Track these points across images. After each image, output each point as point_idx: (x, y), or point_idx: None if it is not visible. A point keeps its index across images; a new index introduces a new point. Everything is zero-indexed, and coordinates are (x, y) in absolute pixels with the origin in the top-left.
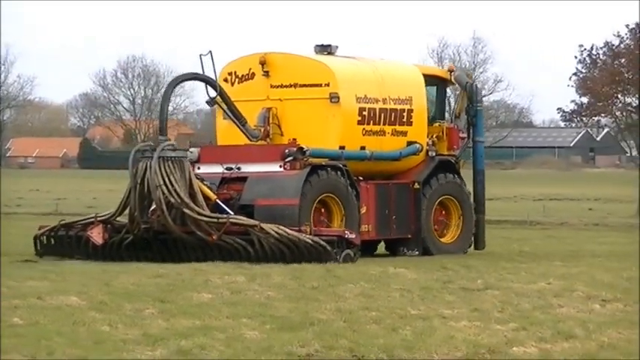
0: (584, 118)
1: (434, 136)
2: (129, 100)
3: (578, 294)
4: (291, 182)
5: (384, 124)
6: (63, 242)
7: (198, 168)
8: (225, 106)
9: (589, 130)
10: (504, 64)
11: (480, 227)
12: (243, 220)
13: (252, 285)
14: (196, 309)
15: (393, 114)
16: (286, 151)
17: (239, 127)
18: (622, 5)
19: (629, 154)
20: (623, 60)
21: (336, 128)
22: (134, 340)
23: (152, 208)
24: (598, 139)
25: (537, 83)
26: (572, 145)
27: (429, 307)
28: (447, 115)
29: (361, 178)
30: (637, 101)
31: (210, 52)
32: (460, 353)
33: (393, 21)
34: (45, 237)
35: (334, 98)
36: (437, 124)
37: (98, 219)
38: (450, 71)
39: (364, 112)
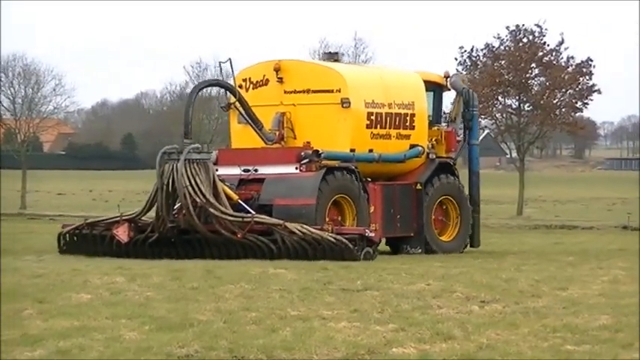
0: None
1: (433, 139)
2: (9, 99)
3: (457, 295)
4: (308, 183)
5: (389, 128)
6: (87, 240)
7: (217, 170)
8: (242, 111)
9: None
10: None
11: (476, 226)
12: (267, 219)
13: (132, 285)
14: (75, 309)
15: (397, 118)
16: (302, 153)
17: (256, 131)
18: (503, 6)
19: (508, 156)
20: (503, 62)
21: (347, 132)
22: (13, 340)
23: (176, 207)
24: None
25: None
26: None
27: (308, 308)
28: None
29: (369, 179)
30: (517, 103)
31: (230, 59)
32: (339, 354)
33: (276, 21)
34: (69, 235)
35: (345, 103)
36: (435, 128)
37: (124, 218)
38: (446, 77)
39: (372, 117)
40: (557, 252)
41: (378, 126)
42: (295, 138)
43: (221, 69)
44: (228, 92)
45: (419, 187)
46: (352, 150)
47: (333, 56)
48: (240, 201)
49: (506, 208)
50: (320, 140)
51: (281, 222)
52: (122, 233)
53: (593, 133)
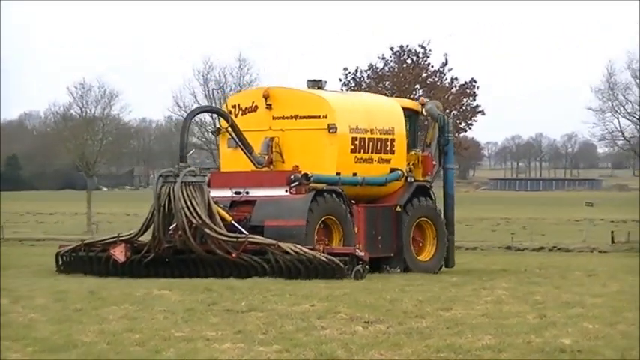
0: None
1: (411, 164)
2: None
3: (341, 315)
4: (298, 205)
5: (371, 153)
6: (84, 260)
7: (209, 192)
8: (234, 135)
9: None
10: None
11: (451, 247)
12: (261, 239)
13: (16, 307)
14: None
15: (379, 143)
16: (292, 177)
17: (246, 155)
18: (386, 29)
19: None
20: (387, 83)
21: (333, 156)
22: None
23: (171, 227)
24: None
25: None
26: None
27: (192, 329)
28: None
29: (353, 201)
30: None
31: (222, 86)
32: None
33: (157, 41)
34: (67, 255)
35: (332, 129)
36: (413, 153)
37: (121, 238)
38: (422, 104)
39: (356, 142)
40: (441, 272)
41: (362, 150)
42: (283, 162)
43: (213, 95)
44: (220, 117)
45: (398, 209)
46: (338, 174)
47: (317, 83)
48: (233, 222)
49: None
50: (307, 164)
51: (274, 242)
52: (119, 253)
53: (477, 154)
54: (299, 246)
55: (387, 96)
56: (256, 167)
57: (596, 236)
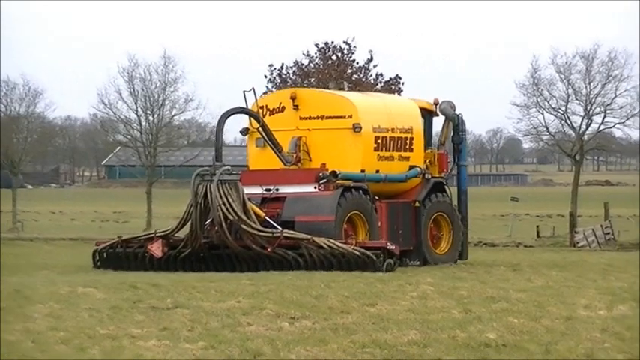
0: None
1: (427, 161)
2: None
3: (267, 312)
4: (327, 201)
5: (392, 151)
6: (120, 256)
7: (243, 190)
8: (264, 135)
9: None
10: (194, 84)
11: (464, 241)
12: (295, 234)
13: None
14: None
15: (399, 142)
16: (320, 174)
17: (276, 154)
18: (313, 25)
19: None
20: (312, 79)
21: (358, 154)
22: None
23: (206, 223)
24: None
25: (229, 103)
26: None
27: (118, 327)
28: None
29: (376, 197)
30: None
31: (253, 88)
32: None
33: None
34: (104, 251)
35: (357, 128)
36: (429, 151)
37: (158, 234)
38: (436, 104)
39: (379, 140)
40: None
41: (384, 149)
42: (310, 160)
43: (245, 97)
44: (251, 118)
45: (417, 204)
46: (362, 171)
47: (339, 85)
48: (267, 218)
49: None
50: (333, 162)
51: (309, 237)
52: (156, 249)
53: None
54: (332, 240)
55: None
56: (285, 165)
57: (522, 231)
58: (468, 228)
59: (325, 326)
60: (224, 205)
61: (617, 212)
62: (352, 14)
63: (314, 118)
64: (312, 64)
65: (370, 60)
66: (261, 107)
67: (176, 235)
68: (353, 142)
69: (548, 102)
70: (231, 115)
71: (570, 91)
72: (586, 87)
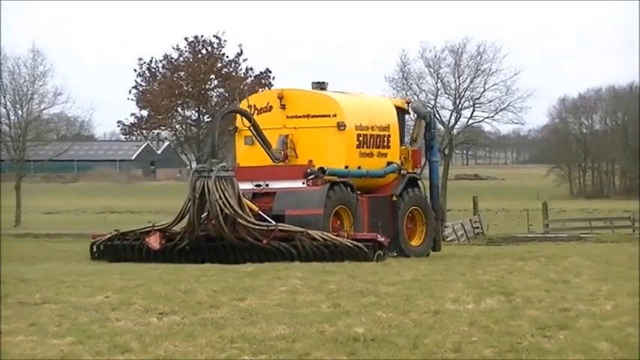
0: (144, 132)
1: (402, 157)
2: None
3: (135, 307)
4: (316, 195)
5: (372, 147)
6: (117, 249)
7: (238, 185)
8: (255, 133)
9: (150, 143)
10: (63, 77)
11: (438, 233)
12: (290, 227)
13: None
14: None
15: (378, 139)
16: (308, 170)
17: (266, 151)
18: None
19: (189, 167)
20: (182, 73)
21: (342, 151)
22: None
23: (202, 216)
24: (159, 152)
25: (99, 96)
26: (133, 158)
27: None
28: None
29: (358, 192)
30: (196, 114)
31: (243, 89)
32: None
33: None
34: (102, 244)
35: (341, 126)
36: (403, 147)
37: (155, 228)
38: (408, 102)
39: (360, 138)
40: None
41: (365, 146)
42: (297, 157)
43: (236, 97)
44: (243, 117)
45: (394, 198)
46: (346, 167)
47: (321, 85)
48: (260, 212)
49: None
50: (318, 159)
51: (303, 229)
52: (154, 241)
53: None
54: (325, 233)
55: (182, 87)
56: (274, 162)
57: None
58: (439, 220)
59: (194, 321)
60: (221, 199)
61: (486, 206)
62: (223, 9)
63: (300, 117)
64: (182, 58)
65: (240, 54)
66: (249, 107)
67: (173, 229)
68: (337, 140)
69: (417, 96)
70: (225, 114)
71: (440, 85)
72: (455, 81)
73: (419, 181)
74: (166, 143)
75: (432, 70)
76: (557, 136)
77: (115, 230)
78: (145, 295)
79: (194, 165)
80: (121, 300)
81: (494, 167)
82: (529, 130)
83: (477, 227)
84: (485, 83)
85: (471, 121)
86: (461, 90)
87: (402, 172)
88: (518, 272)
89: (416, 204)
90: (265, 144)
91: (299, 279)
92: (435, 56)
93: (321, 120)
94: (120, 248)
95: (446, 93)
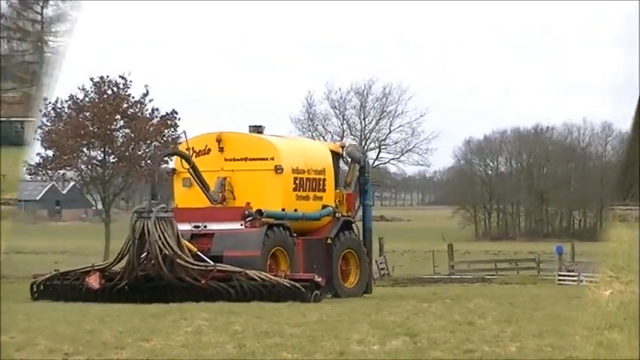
0: (49, 172)
1: (337, 200)
2: None
3: (40, 348)
4: (254, 237)
5: (308, 191)
6: (57, 289)
7: (177, 226)
8: (194, 175)
9: (55, 183)
10: None
11: (370, 275)
12: (229, 267)
13: None
14: None
15: (314, 182)
16: (246, 212)
17: (204, 192)
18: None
19: (95, 208)
20: (88, 114)
21: (279, 193)
22: None
23: (142, 257)
24: (64, 192)
25: None
26: (38, 198)
27: None
28: None
29: (295, 234)
30: (102, 155)
31: (185, 132)
32: None
33: None
34: (42, 284)
35: (279, 169)
36: (338, 191)
37: (95, 267)
38: (342, 147)
39: (297, 181)
40: (142, 303)
41: (301, 189)
42: (234, 199)
43: (178, 139)
44: (183, 160)
45: (329, 241)
46: (283, 209)
47: (257, 128)
48: (198, 252)
49: (93, 259)
50: (256, 201)
51: (241, 270)
52: (94, 281)
53: None
54: (264, 273)
55: (87, 127)
56: (212, 203)
57: None
58: (371, 263)
59: None
60: (160, 239)
61: (392, 247)
62: (129, 48)
63: (238, 160)
64: (87, 98)
65: (146, 94)
66: (188, 149)
67: (113, 268)
68: (275, 183)
69: (323, 137)
70: (165, 156)
71: (345, 126)
72: (361, 122)
73: (353, 225)
74: (72, 183)
75: (337, 111)
76: (462, 178)
77: (55, 270)
78: (50, 335)
79: (99, 206)
80: (25, 340)
81: (399, 208)
82: (435, 171)
83: (383, 268)
84: (390, 125)
85: (376, 163)
86: (367, 131)
87: (337, 215)
88: (424, 313)
89: (350, 247)
90: (204, 186)
91: (204, 319)
92: (341, 97)
93: (259, 163)
94: (60, 288)
95: (352, 134)
